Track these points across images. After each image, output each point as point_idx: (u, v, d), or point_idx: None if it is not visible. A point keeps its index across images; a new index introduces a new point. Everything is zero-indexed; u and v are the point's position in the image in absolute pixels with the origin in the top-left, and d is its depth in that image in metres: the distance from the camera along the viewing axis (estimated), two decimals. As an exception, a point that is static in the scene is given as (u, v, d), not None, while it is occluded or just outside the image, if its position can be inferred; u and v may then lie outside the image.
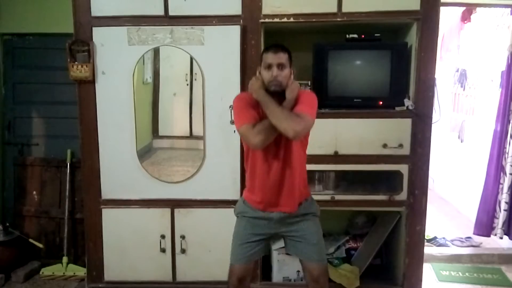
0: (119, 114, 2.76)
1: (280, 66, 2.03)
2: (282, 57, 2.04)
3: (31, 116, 3.43)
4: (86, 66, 2.70)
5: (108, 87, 2.75)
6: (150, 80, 2.88)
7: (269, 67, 2.03)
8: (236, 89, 2.68)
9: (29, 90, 3.40)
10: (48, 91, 3.37)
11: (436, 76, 2.67)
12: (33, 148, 3.44)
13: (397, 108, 2.68)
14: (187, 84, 2.81)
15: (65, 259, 3.24)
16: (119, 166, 2.81)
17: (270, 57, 2.04)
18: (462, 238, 3.82)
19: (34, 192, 3.42)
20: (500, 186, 3.53)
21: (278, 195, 2.13)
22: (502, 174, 3.51)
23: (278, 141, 2.05)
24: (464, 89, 4.75)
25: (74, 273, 3.20)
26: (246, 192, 2.25)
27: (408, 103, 2.67)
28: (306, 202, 2.20)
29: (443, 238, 3.81)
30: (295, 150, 2.10)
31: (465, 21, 4.29)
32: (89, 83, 2.73)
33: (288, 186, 2.12)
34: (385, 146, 2.69)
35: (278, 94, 2.04)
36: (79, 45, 2.71)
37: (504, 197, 3.49)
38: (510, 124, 3.44)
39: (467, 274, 3.28)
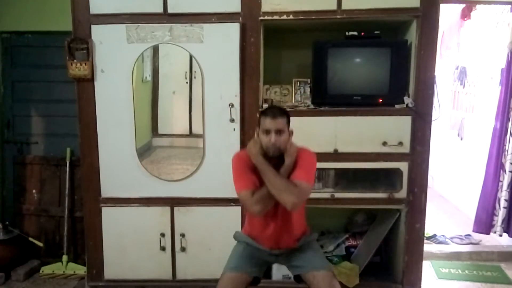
0: (119, 112, 2.76)
1: (279, 131, 2.04)
2: (281, 123, 2.05)
3: (30, 115, 3.42)
4: (85, 64, 2.69)
5: (107, 85, 2.74)
6: (149, 78, 2.87)
7: (267, 132, 2.04)
8: (235, 88, 2.68)
9: (28, 88, 3.39)
10: (47, 89, 3.36)
11: (436, 73, 2.67)
12: (33, 147, 3.44)
13: (397, 106, 2.68)
14: (187, 82, 2.81)
15: (65, 257, 3.23)
16: (118, 165, 2.81)
17: (268, 123, 2.04)
18: (461, 235, 3.82)
19: (34, 191, 3.41)
20: (500, 183, 3.53)
21: (278, 243, 2.19)
22: (501, 171, 3.51)
23: (277, 202, 2.05)
24: (463, 87, 4.75)
25: (74, 272, 3.20)
26: (245, 231, 2.30)
27: (407, 100, 2.66)
28: (305, 237, 2.25)
29: (443, 235, 3.81)
30: None
31: (465, 19, 4.28)
32: (88, 81, 2.73)
33: (287, 238, 2.19)
34: (384, 144, 2.68)
35: (276, 157, 2.07)
36: (78, 43, 2.70)
37: (503, 195, 3.49)
38: (510, 122, 3.44)
39: (466, 271, 3.28)
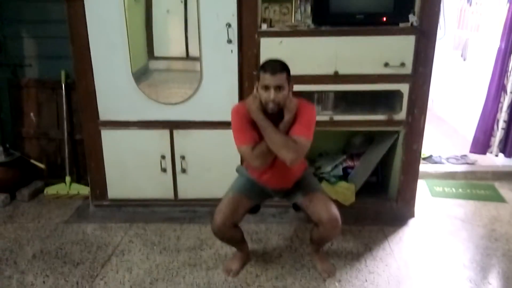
0: (111, 34, 2.65)
1: (278, 88, 1.98)
2: (280, 78, 1.98)
3: (21, 36, 3.29)
4: (74, -19, 2.54)
5: (98, 4, 2.60)
6: (142, -4, 2.73)
7: (266, 88, 1.99)
8: (232, 6, 2.55)
9: (16, 7, 3.23)
10: (36, 9, 3.21)
11: (443, -11, 2.54)
12: (27, 69, 3.36)
13: (401, 25, 2.58)
14: (181, 1, 2.67)
15: (68, 178, 3.31)
16: (115, 88, 2.76)
17: (268, 79, 1.98)
18: (457, 156, 3.89)
19: (32, 114, 3.40)
20: (500, 104, 3.52)
21: (276, 184, 2.28)
22: (502, 92, 3.48)
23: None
24: (470, 5, 4.55)
25: (78, 192, 3.29)
26: (246, 166, 2.37)
27: (413, 19, 2.55)
28: (303, 174, 2.33)
29: (439, 156, 3.87)
30: None
31: None
32: (77, 0, 2.59)
33: (286, 180, 2.27)
34: (386, 65, 2.62)
35: (276, 112, 2.04)
36: (65, -43, 2.53)
37: (502, 116, 3.50)
38: (516, 42, 3.35)
39: (460, 190, 3.38)
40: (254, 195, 2.29)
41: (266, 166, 2.12)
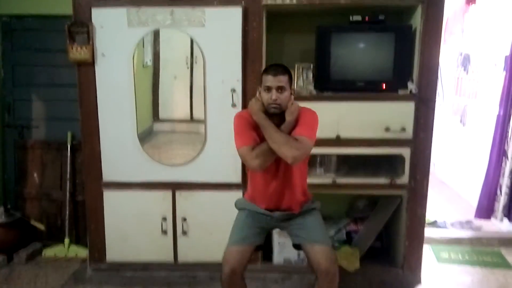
0: (120, 97, 2.74)
1: (280, 88, 2.03)
2: (282, 80, 2.03)
3: (30, 99, 3.40)
4: (86, 48, 2.66)
5: (108, 70, 2.72)
6: (150, 63, 2.85)
7: (268, 89, 2.03)
8: (237, 72, 2.66)
9: (28, 72, 3.36)
10: (47, 74, 3.34)
11: (440, 59, 2.64)
12: (34, 131, 3.43)
13: (400, 92, 2.66)
14: (188, 67, 2.78)
15: (67, 240, 3.26)
16: (120, 149, 2.81)
17: (270, 80, 2.03)
18: (462, 221, 3.83)
19: (35, 175, 3.42)
20: (502, 170, 3.53)
21: (279, 204, 2.18)
22: (504, 158, 3.51)
23: (278, 159, 2.06)
24: (467, 73, 4.71)
25: (76, 254, 3.22)
26: (247, 194, 2.30)
27: (411, 86, 2.64)
28: (307, 204, 2.24)
29: (444, 222, 3.82)
30: (296, 168, 2.12)
31: (470, 3, 4.23)
32: (88, 66, 2.71)
33: (288, 198, 2.18)
34: (387, 129, 2.67)
35: (278, 115, 2.06)
36: (78, 26, 2.67)
37: (505, 181, 3.50)
38: (513, 108, 3.43)
39: (466, 256, 3.30)
40: (255, 235, 2.19)
41: (265, 167, 2.03)
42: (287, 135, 2.00)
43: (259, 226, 2.22)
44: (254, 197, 2.24)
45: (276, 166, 2.10)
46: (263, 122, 2.02)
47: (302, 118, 2.07)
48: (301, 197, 2.21)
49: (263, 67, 2.70)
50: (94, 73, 2.72)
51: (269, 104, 2.04)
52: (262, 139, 2.05)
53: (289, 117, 2.05)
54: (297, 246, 2.25)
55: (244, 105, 2.69)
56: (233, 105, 2.69)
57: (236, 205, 2.34)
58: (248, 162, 2.04)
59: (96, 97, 2.75)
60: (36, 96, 3.40)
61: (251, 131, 2.07)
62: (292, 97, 2.11)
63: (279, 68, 2.06)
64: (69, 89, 3.12)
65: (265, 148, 2.00)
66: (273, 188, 2.15)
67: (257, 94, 2.14)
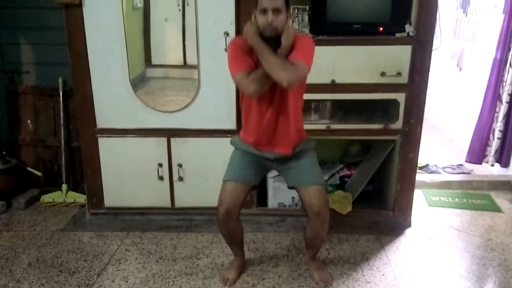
0: (110, 41, 2.66)
1: (276, 11, 1.94)
2: (278, 2, 1.95)
3: (19, 43, 3.30)
4: (72, -11, 2.55)
5: (97, 12, 2.62)
6: (140, 4, 2.74)
7: (264, 11, 1.95)
8: (230, 14, 2.57)
9: (14, 14, 3.24)
10: (35, 16, 3.21)
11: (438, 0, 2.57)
12: (24, 76, 3.36)
13: (398, 35, 2.60)
14: (179, 9, 2.69)
15: (64, 186, 3.29)
16: (112, 95, 2.77)
17: (266, 1, 1.94)
18: (453, 165, 3.90)
19: (29, 121, 3.39)
20: (495, 114, 3.54)
21: (272, 138, 2.16)
22: (498, 102, 3.51)
23: (273, 88, 2.03)
24: (466, 15, 4.60)
25: (74, 200, 3.27)
26: (241, 132, 2.28)
27: (409, 29, 2.58)
28: (301, 143, 2.22)
29: (435, 165, 3.88)
30: (291, 96, 2.08)
31: None
32: (76, 7, 2.60)
33: (283, 131, 2.14)
34: (383, 74, 2.64)
35: (273, 40, 1.99)
36: (64, -35, 2.54)
37: (498, 125, 3.52)
38: (511, 52, 3.37)
39: (456, 199, 3.38)
40: (250, 174, 2.23)
41: (261, 92, 1.99)
42: (283, 59, 1.95)
43: (253, 167, 2.24)
44: (247, 130, 2.20)
45: (271, 95, 2.07)
46: (259, 46, 1.96)
47: (298, 43, 2.02)
48: (295, 134, 2.18)
49: (257, 9, 2.61)
50: (82, 15, 2.62)
51: (264, 27, 1.97)
52: (257, 65, 2.00)
53: (285, 42, 1.98)
54: (291, 187, 2.30)
55: (238, 49, 2.63)
56: (227, 49, 2.62)
57: (231, 142, 2.32)
58: (244, 88, 1.99)
59: (86, 41, 2.67)
60: (25, 40, 3.29)
61: (246, 57, 2.02)
62: (288, 20, 2.03)
63: None
64: (57, 32, 3.00)
65: (261, 72, 1.95)
66: (268, 119, 2.11)
67: (252, 18, 2.05)
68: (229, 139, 2.32)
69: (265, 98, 2.07)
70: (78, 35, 2.66)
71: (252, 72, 1.97)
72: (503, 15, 3.45)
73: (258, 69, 1.97)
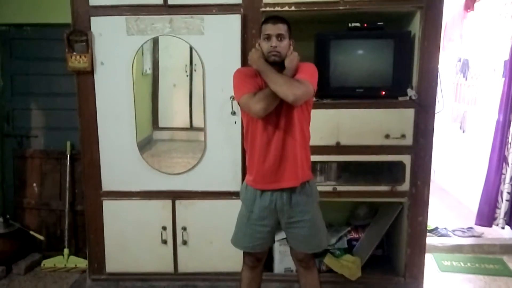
0: (119, 106, 2.73)
1: (279, 36, 2.02)
2: (281, 28, 2.03)
3: (29, 108, 3.40)
4: (85, 57, 2.66)
5: (107, 78, 2.71)
6: (149, 71, 2.84)
7: (268, 38, 2.03)
8: (236, 80, 2.65)
9: (27, 81, 3.36)
10: (46, 83, 3.34)
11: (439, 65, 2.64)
12: (32, 140, 3.42)
13: (400, 98, 2.65)
14: (187, 75, 2.78)
15: (66, 251, 3.23)
16: (119, 158, 2.79)
17: (269, 28, 2.03)
18: (463, 228, 3.81)
19: (34, 184, 3.40)
20: (502, 176, 3.51)
21: (279, 168, 2.08)
22: (504, 164, 3.49)
23: (279, 111, 2.04)
24: (466, 79, 4.71)
25: (76, 265, 3.20)
26: (247, 176, 2.25)
27: (411, 93, 2.64)
28: (308, 184, 2.17)
29: (445, 228, 3.80)
30: (297, 120, 2.08)
31: (468, 10, 4.23)
32: (87, 74, 2.70)
33: (290, 158, 2.08)
34: (387, 136, 2.66)
35: (277, 65, 2.04)
36: (77, 35, 2.67)
37: (506, 188, 3.48)
38: (513, 114, 3.42)
39: (468, 264, 3.27)
40: (262, 237, 2.19)
41: (268, 111, 1.96)
42: (288, 77, 1.99)
43: (263, 223, 2.16)
44: (252, 166, 2.14)
45: (277, 120, 2.04)
46: (263, 67, 2.00)
47: (302, 67, 2.07)
48: (303, 164, 2.12)
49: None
50: (93, 82, 2.71)
51: (269, 52, 2.02)
52: (262, 88, 2.03)
53: (289, 64, 2.03)
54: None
55: (244, 112, 2.69)
56: (233, 112, 2.68)
57: (240, 194, 2.27)
58: (251, 107, 1.98)
59: (96, 105, 2.74)
60: (35, 105, 3.39)
61: (251, 80, 2.06)
62: (291, 47, 2.09)
63: (278, 17, 2.08)
64: (68, 98, 3.10)
65: (267, 91, 1.96)
66: (274, 144, 2.06)
67: (256, 45, 2.12)
68: (235, 201, 2.31)
69: (271, 122, 2.05)
70: (88, 100, 2.74)
71: (259, 92, 2.00)
72: (503, 78, 3.54)
73: (264, 89, 2.00)
